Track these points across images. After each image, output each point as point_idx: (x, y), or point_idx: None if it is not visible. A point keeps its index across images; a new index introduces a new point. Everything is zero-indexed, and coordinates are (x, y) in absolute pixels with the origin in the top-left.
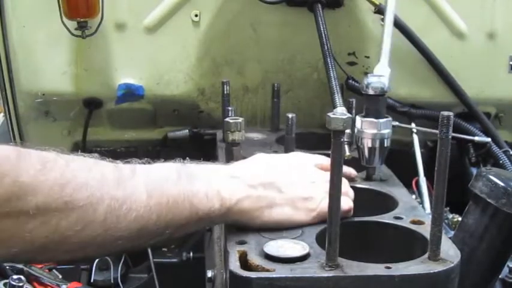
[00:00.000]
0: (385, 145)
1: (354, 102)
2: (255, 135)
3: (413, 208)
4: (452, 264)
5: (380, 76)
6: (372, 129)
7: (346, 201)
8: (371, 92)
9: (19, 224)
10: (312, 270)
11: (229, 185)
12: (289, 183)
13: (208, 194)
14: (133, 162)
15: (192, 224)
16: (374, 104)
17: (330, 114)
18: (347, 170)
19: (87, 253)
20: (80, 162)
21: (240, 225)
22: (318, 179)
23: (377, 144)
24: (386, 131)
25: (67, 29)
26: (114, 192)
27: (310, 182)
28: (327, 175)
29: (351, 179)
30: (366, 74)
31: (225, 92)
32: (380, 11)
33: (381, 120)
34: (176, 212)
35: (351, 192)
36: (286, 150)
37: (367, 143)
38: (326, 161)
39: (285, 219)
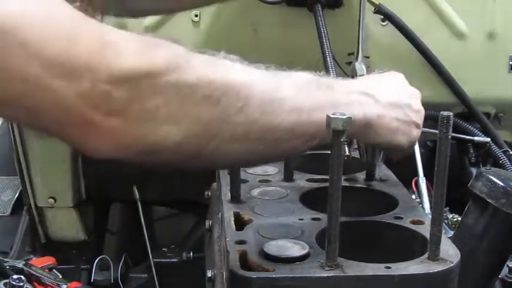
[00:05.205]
0: None
1: None
2: None
3: (413, 208)
4: (452, 264)
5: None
6: None
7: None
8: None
9: (181, 96)
10: (311, 270)
11: (370, 103)
12: (408, 105)
13: (350, 104)
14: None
15: None
16: None
17: (330, 114)
18: None
19: (248, 145)
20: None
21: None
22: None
23: None
24: None
25: None
26: (265, 78)
27: (417, 104)
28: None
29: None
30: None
31: None
32: (380, 11)
33: None
34: (323, 114)
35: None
36: None
37: None
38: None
39: (404, 143)
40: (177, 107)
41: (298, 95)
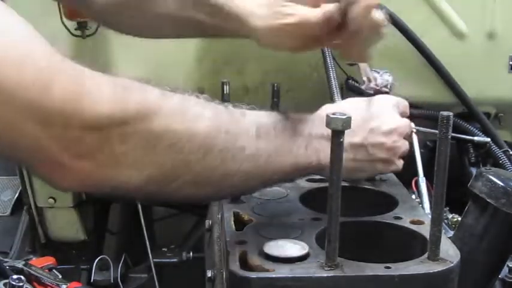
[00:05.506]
0: None
1: None
2: None
3: (413, 208)
4: (452, 264)
5: (383, 72)
6: None
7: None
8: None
9: (148, 144)
10: (311, 270)
11: (325, 147)
12: (376, 144)
13: (308, 150)
14: (241, 106)
15: (291, 173)
16: None
17: (330, 114)
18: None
19: (206, 188)
20: (192, 97)
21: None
22: (399, 137)
23: None
24: None
25: (67, 29)
26: (229, 126)
27: (393, 141)
28: (406, 127)
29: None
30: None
31: (225, 92)
32: None
33: None
34: (280, 160)
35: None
36: None
37: None
38: (403, 104)
39: (366, 176)
40: (143, 154)
41: (258, 142)
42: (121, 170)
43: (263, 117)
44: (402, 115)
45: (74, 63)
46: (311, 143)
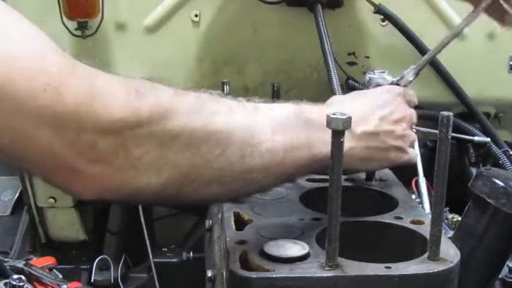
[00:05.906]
0: None
1: None
2: None
3: (413, 208)
4: (452, 264)
5: (382, 72)
6: None
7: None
8: (373, 88)
9: (164, 145)
10: (311, 270)
11: None
12: (388, 132)
13: (322, 140)
14: (255, 100)
15: (310, 166)
16: None
17: (330, 114)
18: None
19: (224, 186)
20: (206, 94)
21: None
22: (407, 126)
23: None
24: None
25: (67, 29)
26: (245, 121)
27: (403, 128)
28: (413, 115)
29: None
30: (364, 73)
31: (225, 92)
32: (380, 11)
33: None
34: (297, 152)
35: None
36: None
37: None
38: (410, 93)
39: (380, 167)
40: (159, 156)
41: (274, 136)
42: (139, 173)
43: (276, 110)
44: (409, 104)
45: (85, 65)
46: (327, 134)
